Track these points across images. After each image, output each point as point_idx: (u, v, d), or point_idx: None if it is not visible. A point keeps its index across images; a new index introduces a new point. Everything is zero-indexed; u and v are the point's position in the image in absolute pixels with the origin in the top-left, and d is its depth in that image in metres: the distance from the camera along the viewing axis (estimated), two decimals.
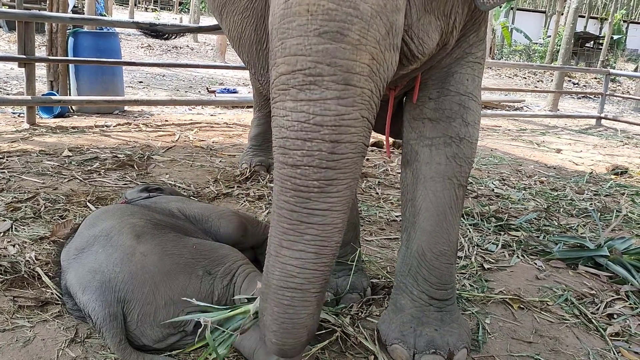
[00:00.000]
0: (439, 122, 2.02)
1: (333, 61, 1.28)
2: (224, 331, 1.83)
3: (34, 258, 2.50)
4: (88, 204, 3.23)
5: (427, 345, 1.97)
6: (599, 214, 3.91)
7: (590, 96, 15.70)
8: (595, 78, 20.78)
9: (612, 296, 2.69)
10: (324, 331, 2.09)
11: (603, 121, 9.70)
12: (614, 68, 22.45)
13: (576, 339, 2.31)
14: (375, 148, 5.72)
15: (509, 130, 8.16)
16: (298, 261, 1.44)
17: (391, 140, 5.74)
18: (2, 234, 2.74)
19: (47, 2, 6.35)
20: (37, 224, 2.90)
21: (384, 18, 1.32)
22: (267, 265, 1.51)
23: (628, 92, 17.94)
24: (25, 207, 3.09)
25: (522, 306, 2.53)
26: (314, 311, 1.52)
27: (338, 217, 1.42)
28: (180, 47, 17.51)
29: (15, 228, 2.82)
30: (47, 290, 2.26)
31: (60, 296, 2.14)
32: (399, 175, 4.54)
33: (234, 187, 3.90)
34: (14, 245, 2.62)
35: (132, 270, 1.91)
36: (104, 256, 1.96)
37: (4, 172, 3.71)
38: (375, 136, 5.64)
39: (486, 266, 2.91)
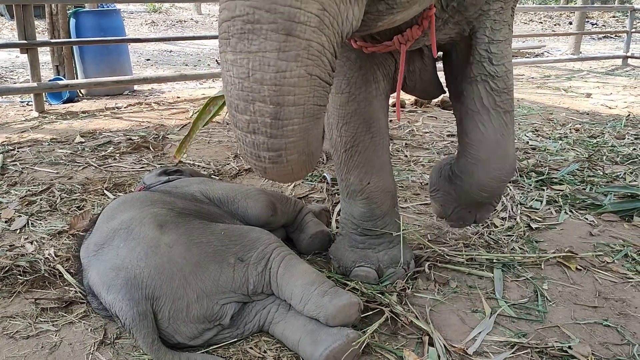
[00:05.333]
0: (474, 65, 2.04)
1: (273, 7, 1.12)
2: None
3: (53, 255, 2.35)
4: (105, 191, 3.07)
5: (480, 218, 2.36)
6: None
7: (611, 36, 15.08)
8: (614, 17, 19.97)
9: None
10: (371, 312, 1.93)
11: (630, 60, 9.26)
12: (631, 4, 21.57)
13: None
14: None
15: (532, 78, 7.83)
16: None
17: (412, 99, 5.50)
18: (18, 231, 2.60)
19: None
20: (54, 217, 2.75)
21: None
22: None
23: None
24: (41, 200, 2.94)
25: (579, 267, 2.33)
26: None
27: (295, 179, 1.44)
28: (185, 21, 17.18)
29: (31, 223, 2.67)
30: (70, 289, 2.12)
31: (84, 295, 1.99)
32: (426, 135, 4.35)
33: None
34: (31, 243, 2.47)
35: (158, 264, 1.74)
36: (126, 251, 1.79)
37: (16, 164, 3.57)
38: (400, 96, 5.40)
39: (533, 226, 2.70)
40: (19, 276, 2.18)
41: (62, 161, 3.65)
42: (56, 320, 1.94)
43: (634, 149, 3.98)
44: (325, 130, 2.25)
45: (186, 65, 9.42)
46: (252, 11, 1.13)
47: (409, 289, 2.13)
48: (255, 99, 1.18)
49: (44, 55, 7.12)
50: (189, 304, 1.74)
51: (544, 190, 3.16)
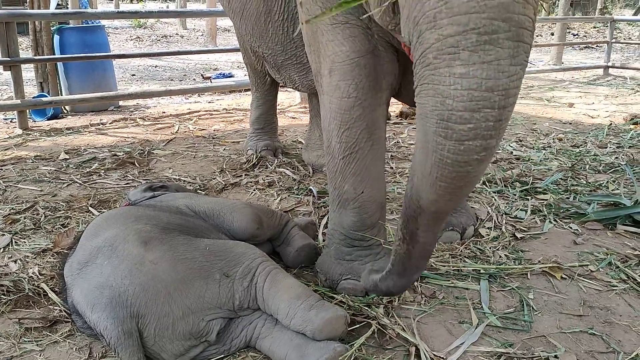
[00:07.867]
0: None
1: (508, 17, 1.20)
2: None
3: (37, 273, 2.33)
4: (90, 208, 3.05)
5: (446, 225, 2.58)
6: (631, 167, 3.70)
7: (592, 46, 15.32)
8: (595, 27, 20.30)
9: None
10: (358, 325, 1.94)
11: (611, 70, 9.40)
12: (611, 15, 21.92)
13: (629, 306, 2.14)
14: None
15: None
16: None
17: (398, 111, 5.55)
18: (1, 250, 2.57)
19: (28, 1, 6.11)
20: (38, 236, 2.72)
21: None
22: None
23: (630, 38, 17.54)
24: (24, 218, 2.91)
25: (564, 276, 2.36)
26: None
27: (483, 171, 1.43)
28: (170, 36, 17.16)
29: (15, 242, 2.64)
30: (55, 308, 2.09)
31: (69, 314, 1.97)
32: (412, 146, 4.37)
33: (241, 175, 3.71)
34: (15, 261, 2.44)
35: (142, 282, 1.73)
36: (110, 269, 1.78)
37: None
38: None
39: (518, 235, 2.72)
40: (2, 296, 2.15)
41: (46, 178, 3.62)
42: (40, 340, 1.91)
43: (616, 157, 4.04)
44: (324, 137, 2.26)
45: (172, 80, 9.41)
46: (489, 22, 1.19)
47: (395, 300, 2.13)
48: (482, 107, 1.25)
49: (28, 72, 7.07)
50: (174, 321, 1.72)
51: (528, 199, 3.19)
